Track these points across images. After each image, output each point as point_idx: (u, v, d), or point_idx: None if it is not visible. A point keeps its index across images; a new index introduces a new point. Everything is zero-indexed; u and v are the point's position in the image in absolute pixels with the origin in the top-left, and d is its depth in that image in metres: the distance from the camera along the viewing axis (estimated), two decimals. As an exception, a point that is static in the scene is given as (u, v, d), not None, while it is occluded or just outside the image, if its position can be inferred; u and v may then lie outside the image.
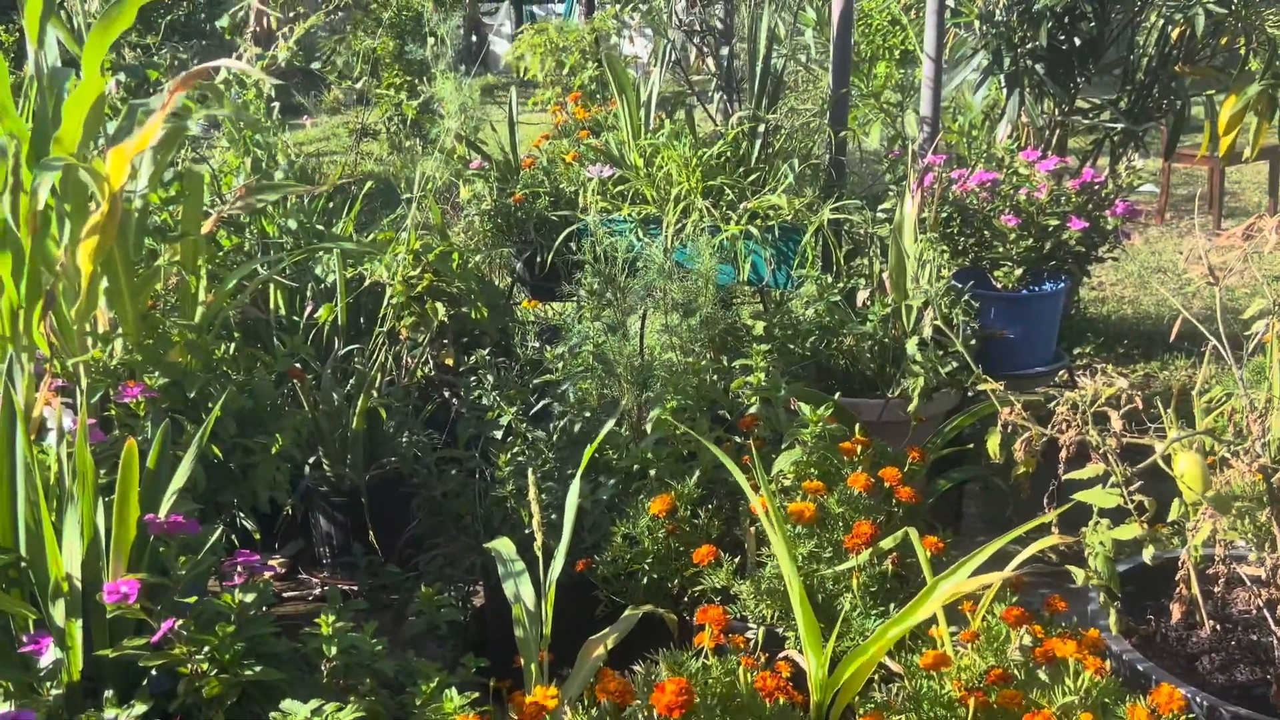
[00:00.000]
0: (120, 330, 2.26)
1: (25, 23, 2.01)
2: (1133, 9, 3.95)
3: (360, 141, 8.24)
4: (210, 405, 2.24)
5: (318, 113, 13.06)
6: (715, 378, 2.83)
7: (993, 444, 2.26)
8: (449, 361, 3.54)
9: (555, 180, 3.83)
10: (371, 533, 3.03)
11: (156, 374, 2.21)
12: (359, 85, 10.16)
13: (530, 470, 2.11)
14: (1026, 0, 3.96)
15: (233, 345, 2.63)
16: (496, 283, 3.95)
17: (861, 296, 3.35)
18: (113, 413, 2.16)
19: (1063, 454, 1.89)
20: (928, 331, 2.74)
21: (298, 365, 2.78)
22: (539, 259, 3.76)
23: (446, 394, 3.54)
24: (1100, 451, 1.88)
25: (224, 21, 11.99)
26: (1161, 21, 4.01)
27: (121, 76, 3.43)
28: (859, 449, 2.26)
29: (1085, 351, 4.80)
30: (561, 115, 4.40)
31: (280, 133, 3.96)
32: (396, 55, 9.87)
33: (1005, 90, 4.21)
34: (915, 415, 2.67)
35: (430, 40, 3.90)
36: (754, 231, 3.42)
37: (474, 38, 18.73)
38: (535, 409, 3.05)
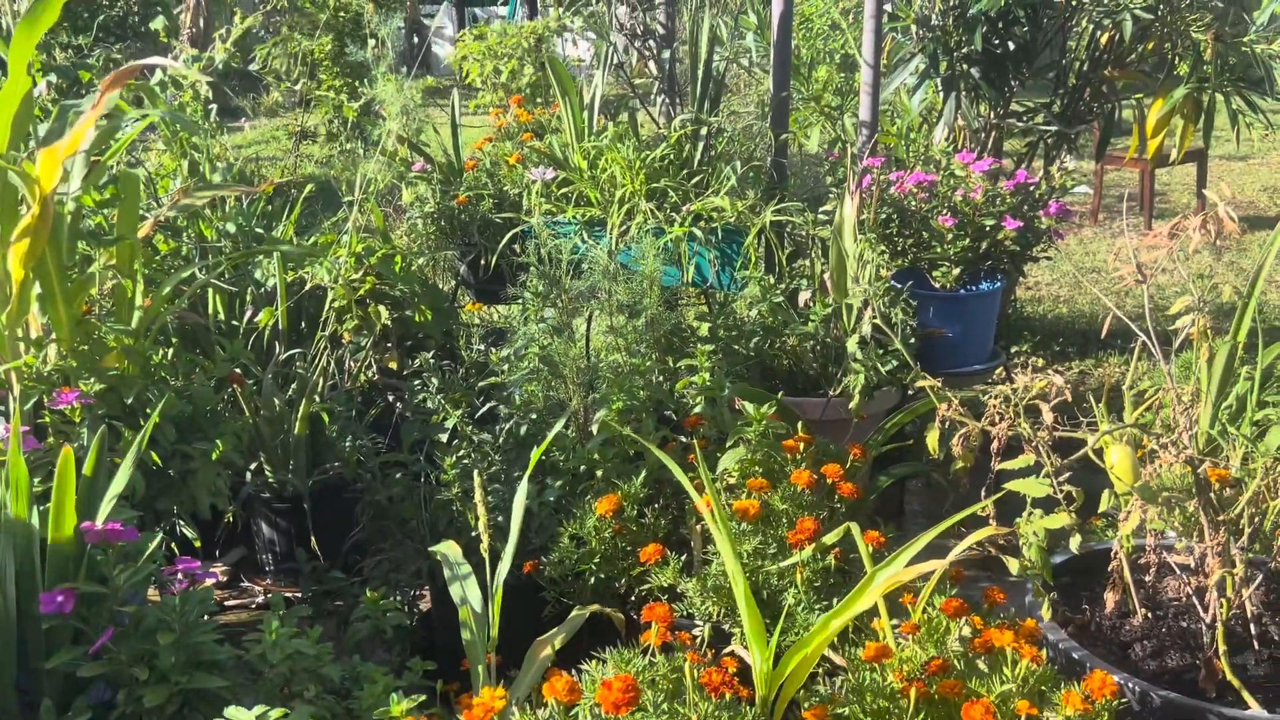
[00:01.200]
0: (54, 336, 2.21)
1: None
2: (1064, 14, 4.05)
3: (300, 144, 8.15)
4: (148, 411, 2.20)
5: (256, 115, 12.88)
6: (661, 378, 2.85)
7: (932, 440, 2.30)
8: (393, 365, 3.52)
9: (499, 183, 3.83)
10: (315, 539, 3.00)
11: (92, 380, 2.17)
12: (298, 87, 10.05)
13: (476, 472, 2.11)
14: (961, 5, 4.05)
15: (170, 350, 2.59)
16: (440, 286, 3.93)
17: (804, 297, 3.39)
18: (47, 420, 2.11)
19: (994, 445, 1.94)
20: (867, 330, 2.78)
21: (237, 370, 2.74)
22: (483, 261, 3.75)
23: (390, 398, 3.51)
24: (1032, 444, 1.93)
25: (158, 23, 11.77)
26: (1091, 27, 4.12)
27: (53, 78, 3.36)
28: (802, 446, 2.29)
29: (1022, 350, 4.91)
30: (504, 118, 4.39)
31: (218, 135, 3.91)
32: (335, 57, 9.77)
33: (942, 94, 4.29)
34: (856, 413, 2.72)
35: (370, 42, 3.87)
36: (697, 234, 3.44)
37: (415, 39, 18.61)
38: (481, 412, 3.04)
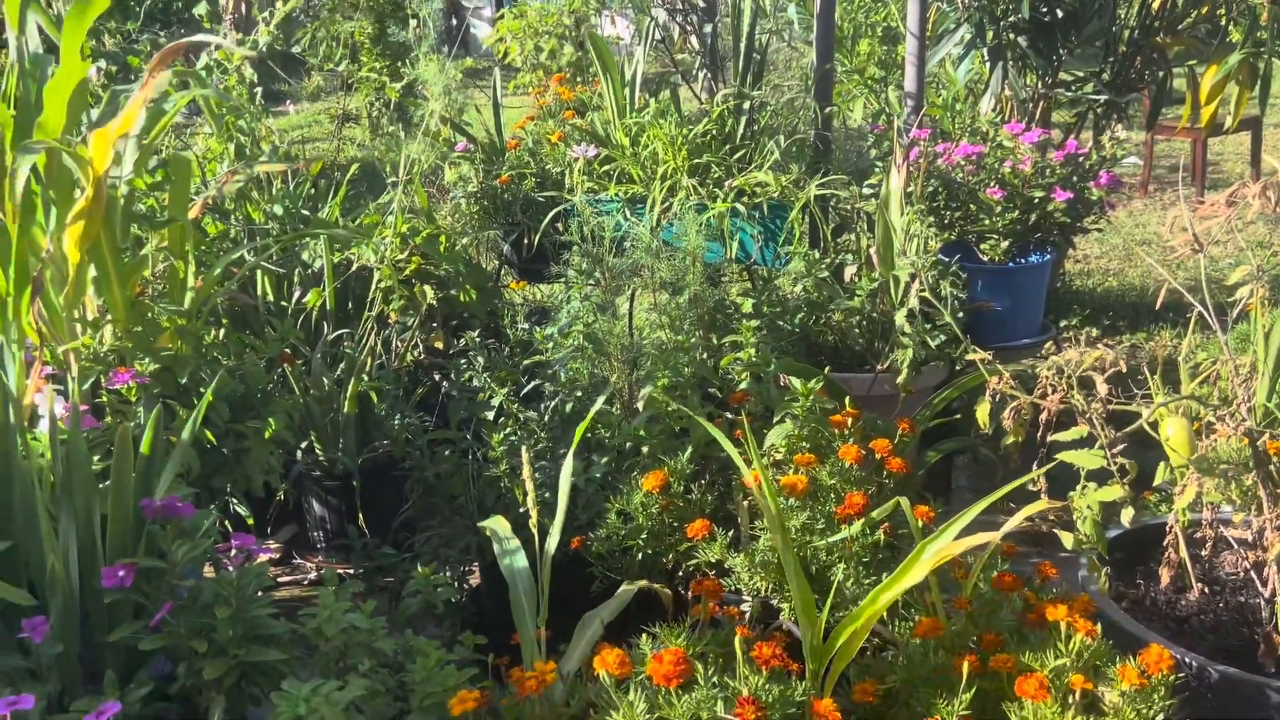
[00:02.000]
0: (109, 317, 2.25)
1: (5, 9, 1.99)
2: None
3: (343, 127, 8.21)
4: (201, 391, 2.23)
5: (300, 99, 12.99)
6: (705, 355, 2.84)
7: (982, 413, 2.28)
8: (438, 344, 3.54)
9: (541, 161, 3.83)
10: (364, 517, 3.04)
11: (147, 360, 2.21)
12: (340, 70, 10.10)
13: (524, 449, 2.12)
14: (1011, -26, 3.97)
15: (222, 331, 2.62)
16: (484, 265, 3.95)
17: (849, 272, 3.36)
18: (104, 399, 2.15)
19: (1044, 416, 1.91)
20: (915, 304, 2.75)
21: (287, 350, 2.77)
22: (526, 240, 3.76)
23: (436, 377, 3.54)
24: (1085, 416, 1.90)
25: (201, 8, 11.88)
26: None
27: (103, 63, 3.41)
28: (849, 422, 2.28)
29: (1071, 324, 4.83)
30: (545, 97, 4.38)
31: (263, 118, 3.95)
32: (376, 38, 9.81)
33: (988, 64, 4.23)
34: (904, 387, 2.69)
35: (412, 23, 3.87)
36: (740, 209, 3.42)
37: (454, 20, 18.59)
38: (526, 389, 3.06)
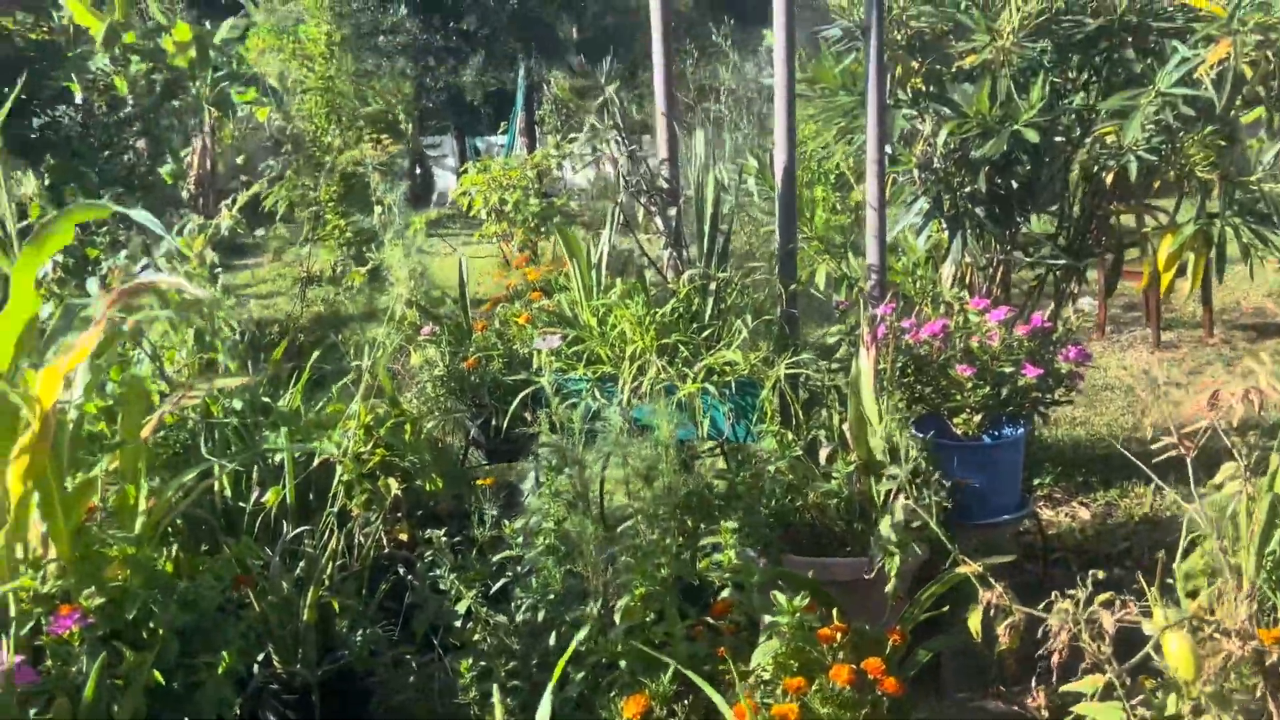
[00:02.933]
0: (52, 550, 2.12)
1: (-46, 242, 1.94)
2: (1066, 152, 4.07)
3: (306, 290, 8.21)
4: (151, 625, 2.10)
5: (264, 250, 13.04)
6: (682, 545, 2.75)
7: (974, 622, 2.19)
8: (403, 537, 3.41)
9: (509, 342, 3.79)
10: (325, 733, 2.85)
11: (93, 594, 2.08)
12: (303, 225, 10.18)
13: (496, 688, 1.99)
14: (963, 148, 4.07)
15: (175, 548, 2.49)
16: (450, 446, 3.86)
17: (824, 453, 3.30)
18: (46, 642, 2.01)
19: (1055, 660, 1.82)
20: (900, 516, 2.68)
21: (242, 573, 2.64)
22: (495, 423, 3.69)
23: (401, 570, 3.40)
24: (1097, 661, 1.81)
25: (167, 170, 12.00)
26: (1094, 164, 4.13)
27: (59, 257, 3.35)
28: (839, 637, 2.18)
29: (1044, 483, 4.80)
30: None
31: (223, 301, 3.89)
32: (341, 198, 9.92)
33: (948, 232, 4.29)
34: (894, 595, 2.60)
35: (377, 209, 3.88)
36: (711, 389, 3.38)
37: (418, 169, 18.98)
38: (495, 588, 2.94)
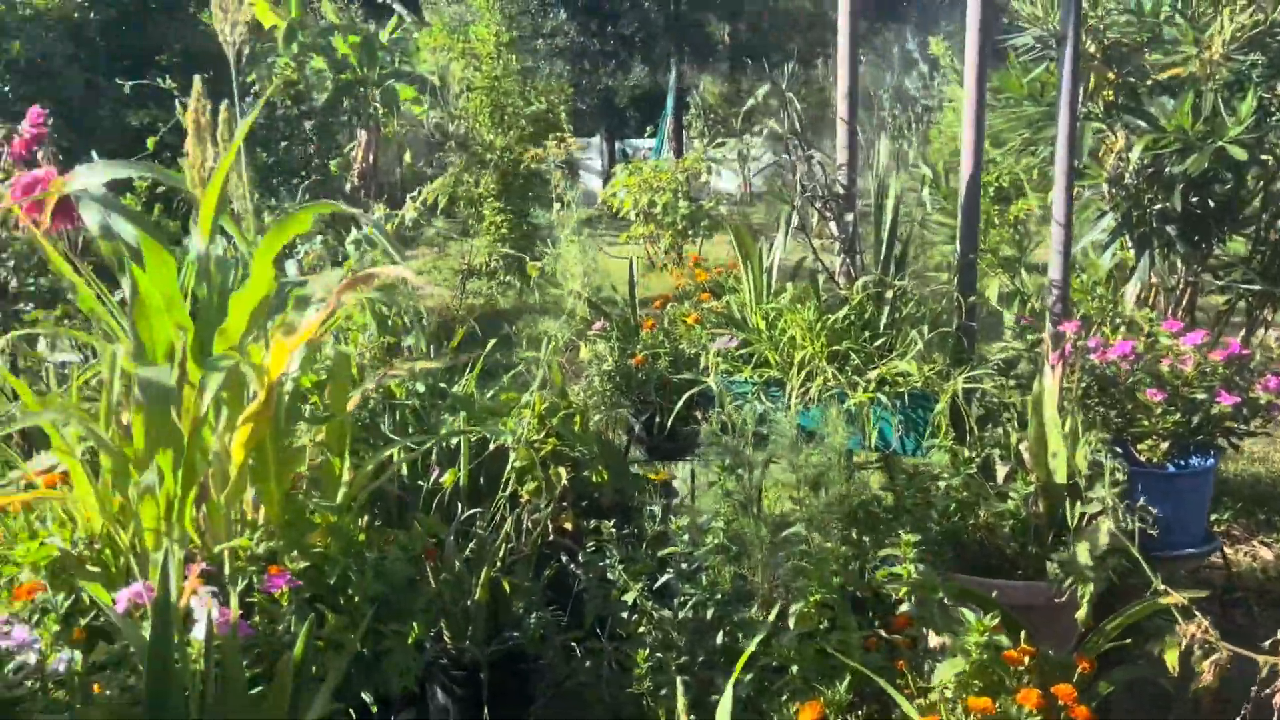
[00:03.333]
0: (262, 514, 2.25)
1: (199, 220, 2.08)
2: (1272, 170, 3.85)
3: (466, 281, 8.46)
4: (349, 591, 2.21)
5: (418, 243, 13.49)
6: (853, 559, 2.72)
7: (1171, 658, 2.10)
8: (568, 526, 3.48)
9: (675, 341, 3.82)
10: (490, 710, 2.93)
11: (297, 558, 2.19)
12: (465, 220, 10.49)
13: (678, 683, 2.01)
14: (1157, 165, 3.90)
15: (365, 520, 2.61)
16: (612, 439, 3.92)
17: (1002, 472, 3.21)
18: (255, 600, 2.13)
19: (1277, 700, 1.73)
20: (1104, 540, 2.58)
21: (432, 545, 2.74)
22: (658, 420, 3.72)
23: (564, 559, 3.47)
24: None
25: (335, 163, 12.55)
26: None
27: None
28: (1026, 659, 2.11)
29: (1223, 519, 4.56)
30: (683, 278, 4.42)
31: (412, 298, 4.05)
32: (499, 194, 10.18)
33: (1134, 250, 4.12)
34: (1084, 623, 2.51)
35: (555, 205, 3.97)
36: (883, 399, 3.33)
37: (566, 171, 19.21)
38: (660, 582, 2.97)
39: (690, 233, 13.06)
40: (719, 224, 14.32)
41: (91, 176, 2.11)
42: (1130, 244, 4.17)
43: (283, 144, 10.68)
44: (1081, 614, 2.49)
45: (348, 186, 15.88)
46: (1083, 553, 2.51)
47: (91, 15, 8.49)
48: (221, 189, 2.02)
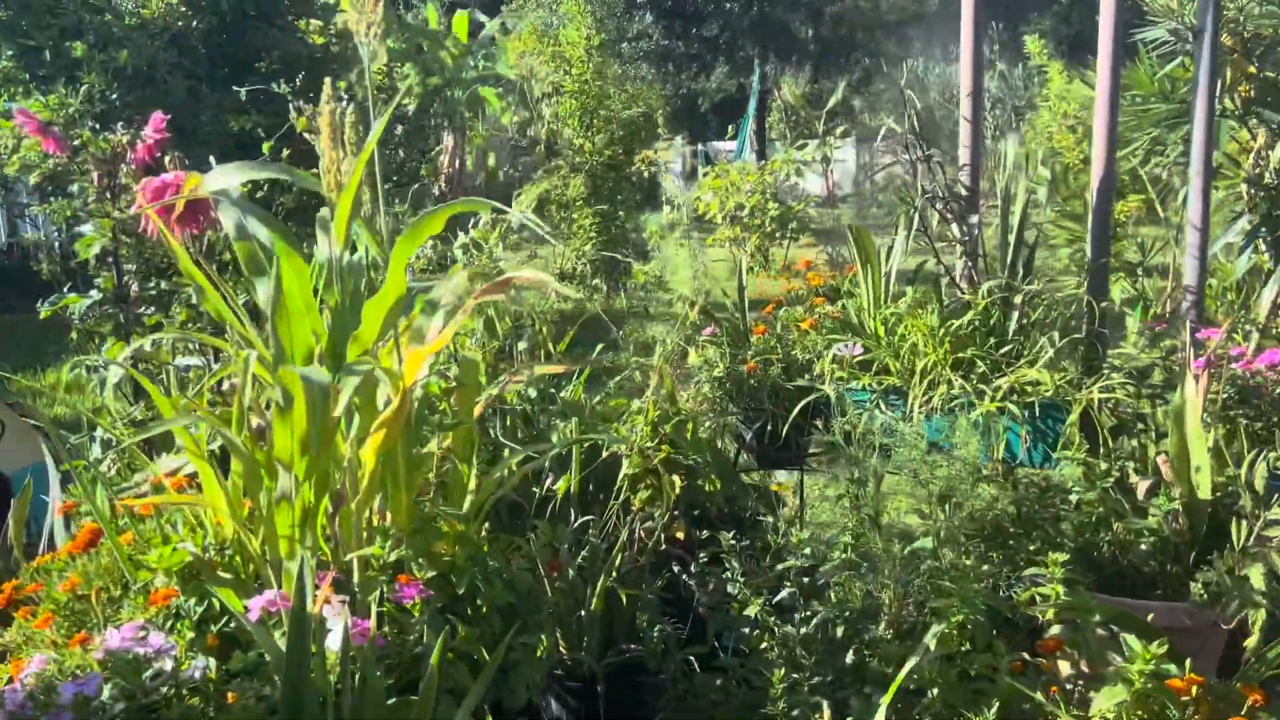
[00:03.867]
0: (391, 521, 2.22)
1: (334, 223, 2.05)
2: None
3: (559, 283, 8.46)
4: (477, 602, 2.16)
5: (507, 247, 13.58)
6: (992, 580, 2.59)
7: (1357, 693, 1.93)
8: (680, 535, 3.40)
9: (788, 347, 3.72)
10: (606, 723, 2.87)
11: (425, 566, 2.16)
12: (556, 224, 10.51)
13: (826, 707, 1.92)
14: (1299, 161, 3.69)
15: (485, 528, 2.57)
16: (723, 447, 3.84)
17: (1142, 487, 3.05)
18: (386, 609, 2.10)
19: None
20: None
21: (555, 557, 2.69)
22: (770, 428, 3.63)
23: (676, 569, 3.40)
24: None
25: (425, 167, 12.71)
26: None
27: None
28: (1193, 689, 1.98)
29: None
30: (773, 280, 4.31)
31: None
32: (589, 199, 10.19)
33: (1272, 255, 3.91)
34: (1254, 651, 2.36)
35: (666, 208, 3.90)
36: (1013, 409, 3.19)
37: (649, 173, 19.24)
38: (780, 596, 2.88)
39: (778, 235, 12.94)
40: (806, 226, 14.13)
41: (226, 178, 2.10)
42: (1265, 248, 3.96)
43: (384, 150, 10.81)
44: (1253, 641, 2.33)
45: (435, 190, 16.07)
46: (1256, 575, 2.35)
47: (194, 24, 8.68)
48: (356, 192, 1.99)
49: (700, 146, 24.29)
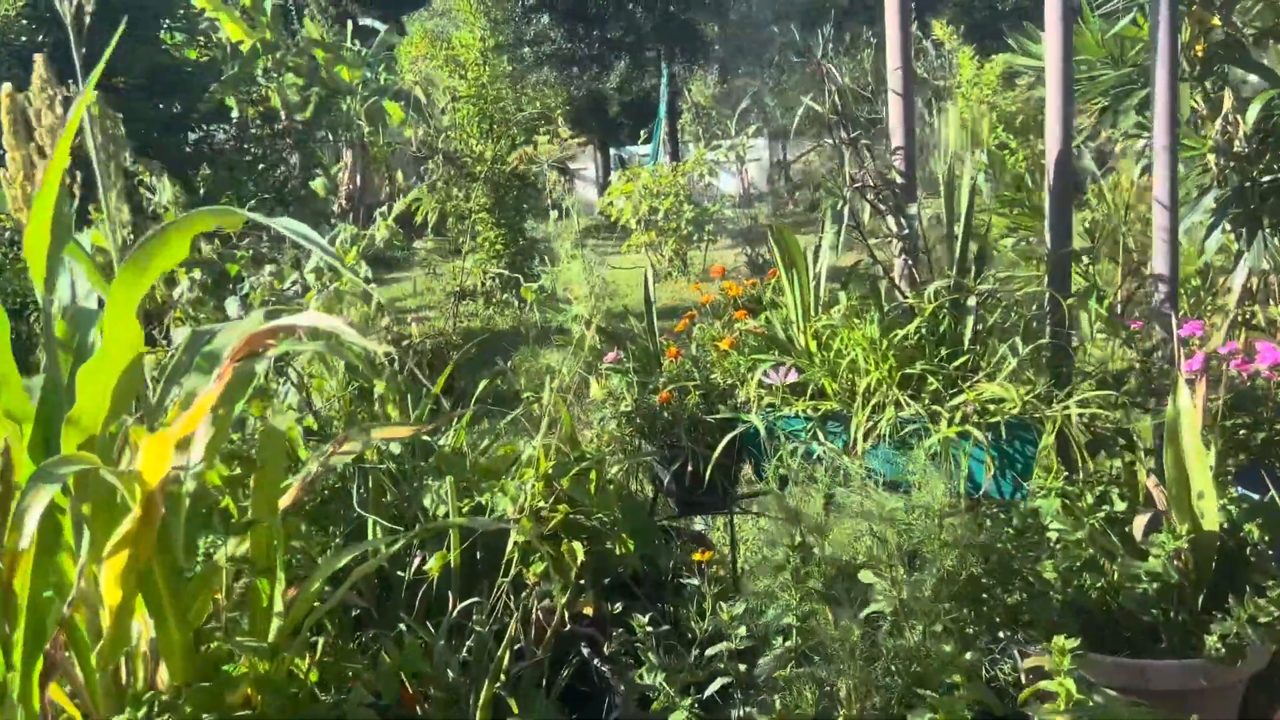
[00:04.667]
0: (163, 671, 1.59)
1: (26, 253, 1.41)
2: None
3: (459, 304, 7.79)
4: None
5: (411, 264, 12.84)
6: (976, 663, 2.05)
7: None
8: (587, 611, 2.81)
9: (706, 371, 3.15)
10: None
11: (214, 727, 1.54)
12: (456, 238, 9.84)
13: None
14: (1268, 128, 3.24)
15: (319, 645, 1.94)
16: (635, 491, 3.26)
17: (1140, 521, 2.54)
18: (149, 802, 1.47)
19: None
20: None
21: (409, 688, 2.07)
22: (690, 468, 3.06)
23: (586, 651, 2.80)
24: None
25: (318, 184, 11.89)
26: None
27: (196, 274, 2.89)
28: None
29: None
30: (692, 287, 3.74)
31: (377, 315, 3.40)
32: (492, 208, 9.54)
33: (1241, 233, 3.46)
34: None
35: (553, 214, 3.31)
36: (977, 433, 2.66)
37: (559, 179, 18.64)
38: (709, 691, 2.31)
39: (695, 238, 12.42)
40: (723, 228, 13.64)
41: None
42: (1231, 226, 3.51)
43: (259, 167, 10.03)
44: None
45: (335, 208, 15.22)
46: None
47: (40, 38, 7.85)
48: (56, 207, 1.36)
49: (614, 151, 23.75)
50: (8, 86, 1.43)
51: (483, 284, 9.60)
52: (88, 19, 1.77)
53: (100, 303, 1.56)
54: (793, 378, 2.73)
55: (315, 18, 12.77)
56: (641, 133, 23.01)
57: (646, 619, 2.32)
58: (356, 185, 16.08)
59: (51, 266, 1.39)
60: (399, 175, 17.10)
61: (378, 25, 15.42)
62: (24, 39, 7.87)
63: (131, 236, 1.73)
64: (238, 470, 1.81)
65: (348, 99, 12.85)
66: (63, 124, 1.40)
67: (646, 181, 11.78)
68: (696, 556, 2.66)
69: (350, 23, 14.99)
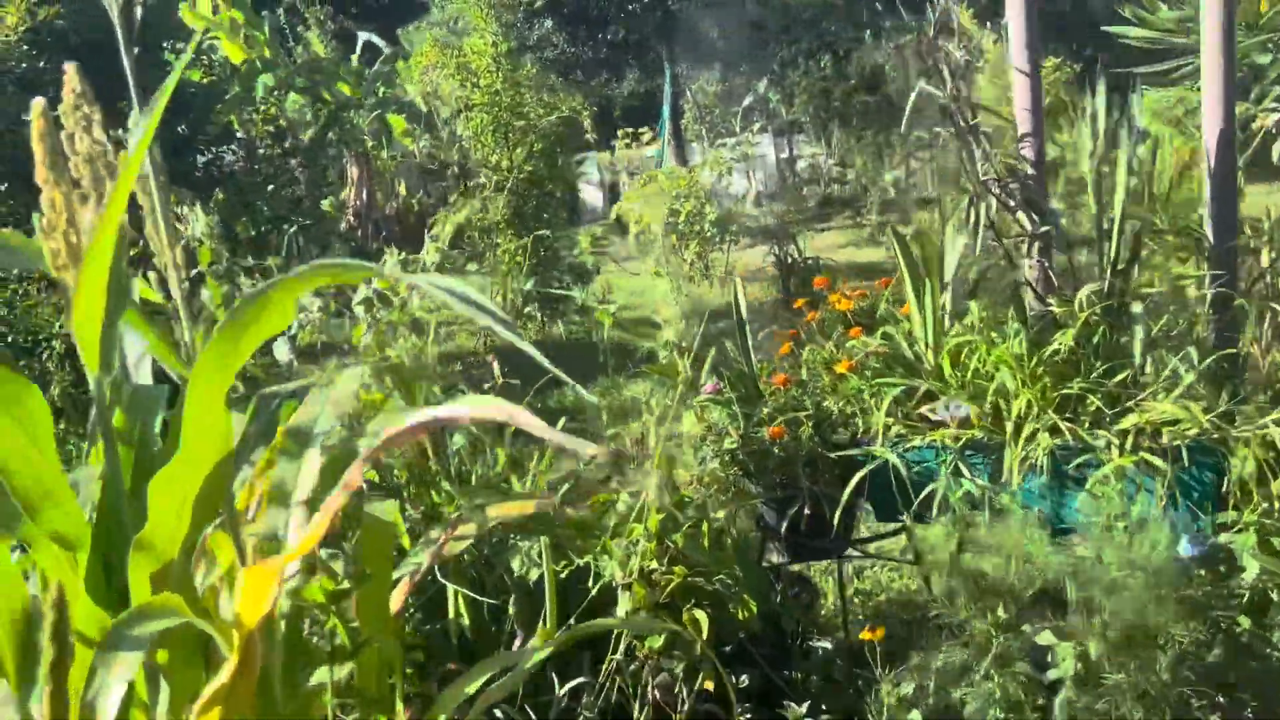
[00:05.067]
0: None
1: (75, 325, 1.04)
2: None
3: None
4: None
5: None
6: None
7: None
8: (709, 686, 2.43)
9: (816, 395, 2.78)
10: None
11: None
12: (468, 252, 9.46)
13: None
14: None
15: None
16: (740, 537, 2.88)
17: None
18: None
19: None
20: None
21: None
22: (807, 511, 2.68)
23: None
24: None
25: (328, 203, 11.55)
26: None
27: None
28: None
29: None
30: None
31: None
32: (510, 220, 9.15)
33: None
34: None
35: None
36: (1155, 461, 2.29)
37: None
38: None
39: (716, 239, 12.04)
40: (744, 227, 13.27)
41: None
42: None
43: (269, 187, 9.67)
44: None
45: (342, 226, 14.86)
46: None
47: (41, 63, 7.48)
48: (114, 268, 0.99)
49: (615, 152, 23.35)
50: (40, 102, 1.07)
51: (509, 301, 9.24)
52: (138, 19, 1.42)
53: (157, 373, 1.19)
54: (963, 413, 2.35)
55: (316, 34, 12.41)
56: (643, 133, 22.61)
57: (804, 709, 1.94)
58: (363, 201, 15.74)
59: (107, 343, 1.01)
60: (402, 188, 16.71)
61: (381, 44, 15.16)
62: (24, 65, 7.50)
63: (186, 284, 1.37)
64: (344, 584, 1.42)
65: (354, 113, 12.51)
66: (110, 159, 1.03)
67: (664, 185, 11.42)
68: (865, 635, 2.28)
69: (359, 40, 14.67)
